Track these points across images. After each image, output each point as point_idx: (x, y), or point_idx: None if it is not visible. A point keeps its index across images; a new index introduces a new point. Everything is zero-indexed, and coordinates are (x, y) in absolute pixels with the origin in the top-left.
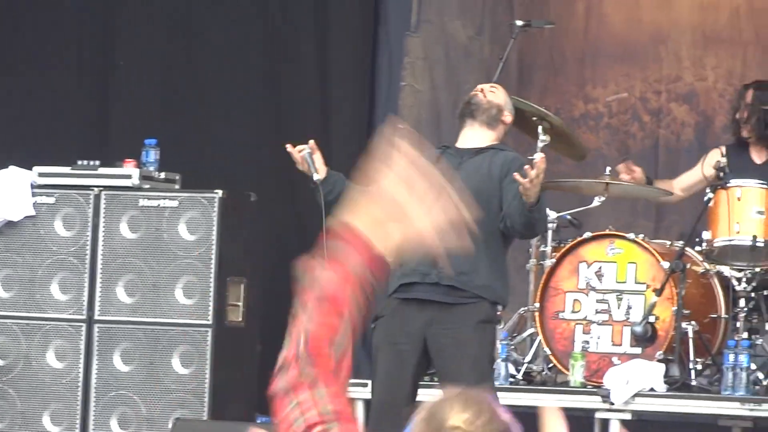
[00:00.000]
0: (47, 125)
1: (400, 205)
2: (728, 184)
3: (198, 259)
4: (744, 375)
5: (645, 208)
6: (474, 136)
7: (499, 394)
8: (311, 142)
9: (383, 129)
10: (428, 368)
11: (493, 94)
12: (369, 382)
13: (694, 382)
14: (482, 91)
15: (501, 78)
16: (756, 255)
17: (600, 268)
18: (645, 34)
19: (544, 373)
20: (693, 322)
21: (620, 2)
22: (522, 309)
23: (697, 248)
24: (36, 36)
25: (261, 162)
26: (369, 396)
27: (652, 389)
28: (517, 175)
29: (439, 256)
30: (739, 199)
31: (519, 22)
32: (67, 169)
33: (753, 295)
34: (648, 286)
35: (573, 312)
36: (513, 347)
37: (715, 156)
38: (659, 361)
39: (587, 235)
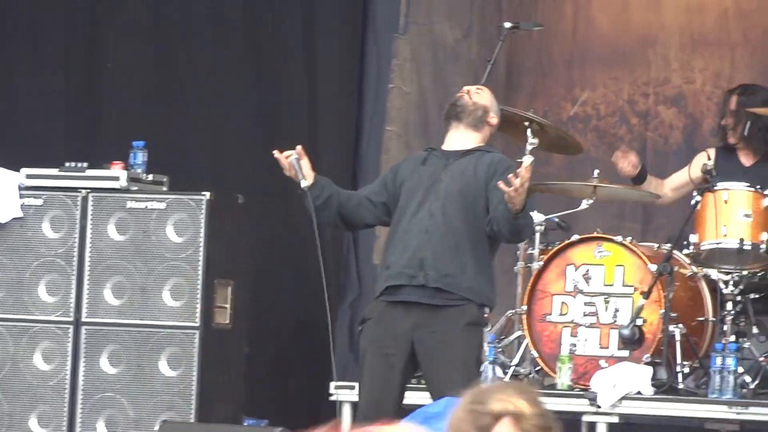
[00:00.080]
0: (35, 127)
1: None
2: (715, 187)
3: (185, 261)
4: (731, 378)
5: (633, 210)
6: (460, 138)
7: None
8: (298, 147)
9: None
10: (415, 371)
11: (479, 95)
12: (356, 384)
13: (681, 386)
14: (468, 92)
15: (489, 80)
16: (743, 258)
17: (587, 270)
18: (633, 37)
19: (531, 375)
20: (680, 325)
21: (608, 5)
22: (509, 312)
23: (685, 251)
24: (24, 38)
25: (249, 164)
26: (356, 399)
27: (639, 392)
28: (501, 184)
29: None
30: (726, 202)
31: (507, 24)
32: (54, 171)
33: (740, 298)
34: (635, 289)
35: (560, 315)
36: (500, 350)
37: (703, 159)
38: (646, 364)
39: (575, 237)
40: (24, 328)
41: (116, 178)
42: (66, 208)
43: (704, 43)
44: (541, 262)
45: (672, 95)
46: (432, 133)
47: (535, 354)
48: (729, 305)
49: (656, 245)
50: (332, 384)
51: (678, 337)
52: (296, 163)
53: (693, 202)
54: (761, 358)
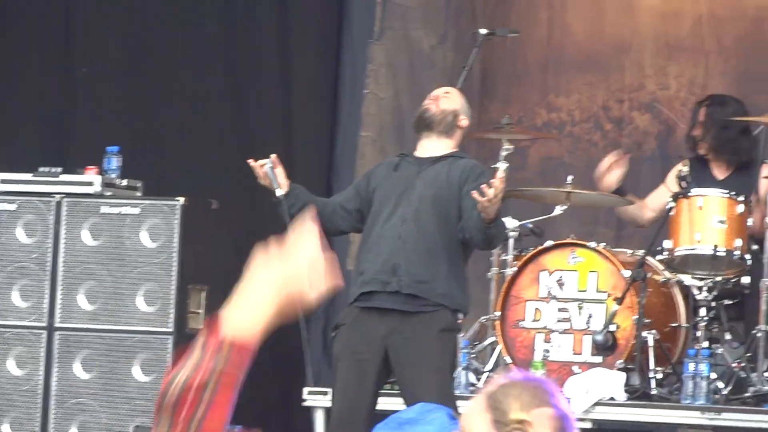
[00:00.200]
0: (9, 132)
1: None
2: (690, 194)
3: (159, 266)
4: (704, 384)
5: (606, 216)
6: (432, 145)
7: (458, 403)
8: (273, 156)
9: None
10: (389, 377)
11: (447, 99)
12: (330, 390)
13: (654, 391)
14: (435, 99)
15: (464, 86)
16: (717, 264)
17: (561, 276)
18: (608, 43)
19: None
20: (654, 331)
21: (583, 11)
22: (483, 317)
23: (659, 257)
24: None
25: (223, 169)
26: (330, 404)
27: (612, 398)
28: (475, 194)
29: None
30: (700, 208)
31: (483, 31)
32: (28, 176)
33: (713, 304)
34: (609, 295)
35: (534, 321)
36: (474, 356)
37: (677, 169)
38: (620, 370)
39: (549, 243)
40: None
41: (90, 183)
42: (40, 213)
43: (679, 49)
44: (515, 268)
45: (646, 101)
46: (407, 139)
47: (509, 360)
48: (702, 311)
49: (630, 251)
50: (305, 389)
51: (651, 343)
52: (271, 171)
53: (667, 207)
54: (734, 364)
